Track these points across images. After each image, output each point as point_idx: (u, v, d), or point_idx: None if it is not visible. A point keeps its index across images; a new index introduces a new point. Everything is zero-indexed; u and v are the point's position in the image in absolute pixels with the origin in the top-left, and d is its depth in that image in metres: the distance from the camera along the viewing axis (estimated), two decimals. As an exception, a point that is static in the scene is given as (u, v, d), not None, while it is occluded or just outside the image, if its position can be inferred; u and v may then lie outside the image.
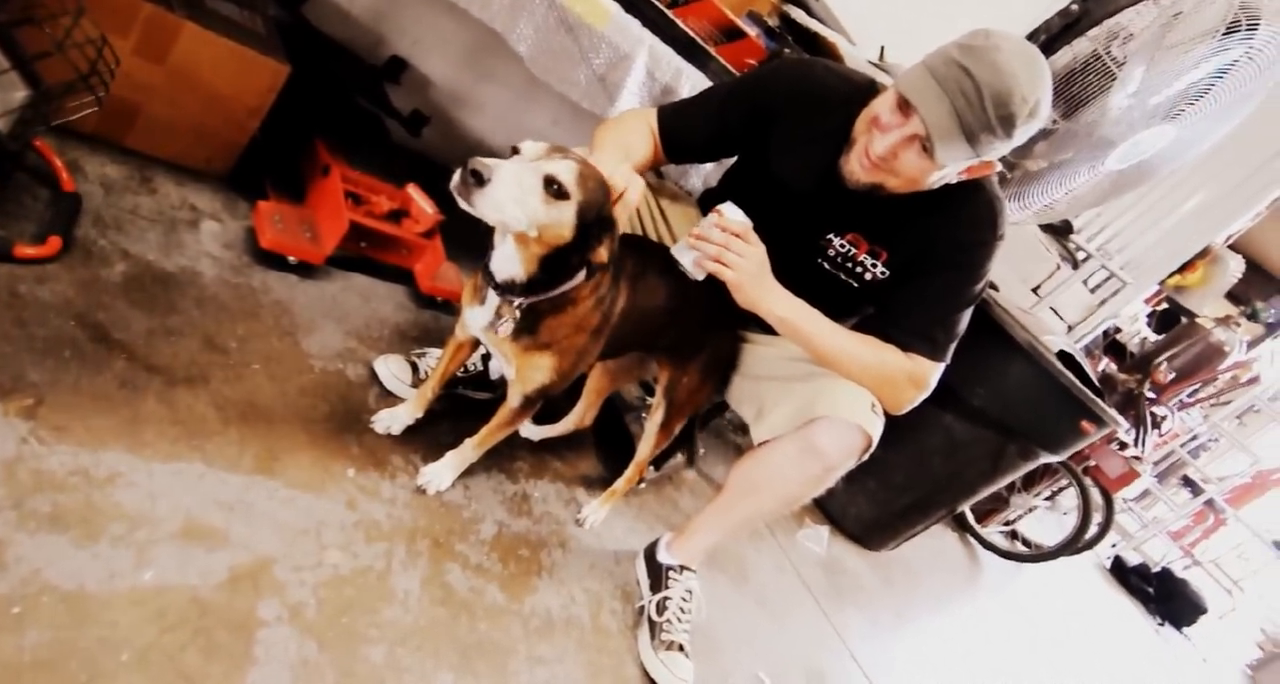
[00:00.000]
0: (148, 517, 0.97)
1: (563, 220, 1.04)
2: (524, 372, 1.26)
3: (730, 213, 1.26)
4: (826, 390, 1.34)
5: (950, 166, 1.20)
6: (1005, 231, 1.36)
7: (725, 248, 1.24)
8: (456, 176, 0.96)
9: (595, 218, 1.07)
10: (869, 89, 1.29)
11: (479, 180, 0.95)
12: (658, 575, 1.52)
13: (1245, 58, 1.72)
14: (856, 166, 1.26)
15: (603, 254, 1.10)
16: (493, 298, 1.19)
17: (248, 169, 1.66)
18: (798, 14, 2.11)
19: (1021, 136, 1.15)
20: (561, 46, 1.56)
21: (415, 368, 1.53)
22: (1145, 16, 1.73)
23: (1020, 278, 3.14)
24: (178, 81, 1.46)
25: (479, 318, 1.23)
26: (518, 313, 1.17)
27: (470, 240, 1.20)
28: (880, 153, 1.21)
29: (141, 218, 1.42)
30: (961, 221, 1.33)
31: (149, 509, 0.98)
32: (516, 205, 0.99)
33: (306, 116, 1.74)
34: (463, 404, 1.60)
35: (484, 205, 0.97)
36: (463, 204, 0.97)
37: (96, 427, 1.03)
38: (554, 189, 1.01)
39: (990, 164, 1.25)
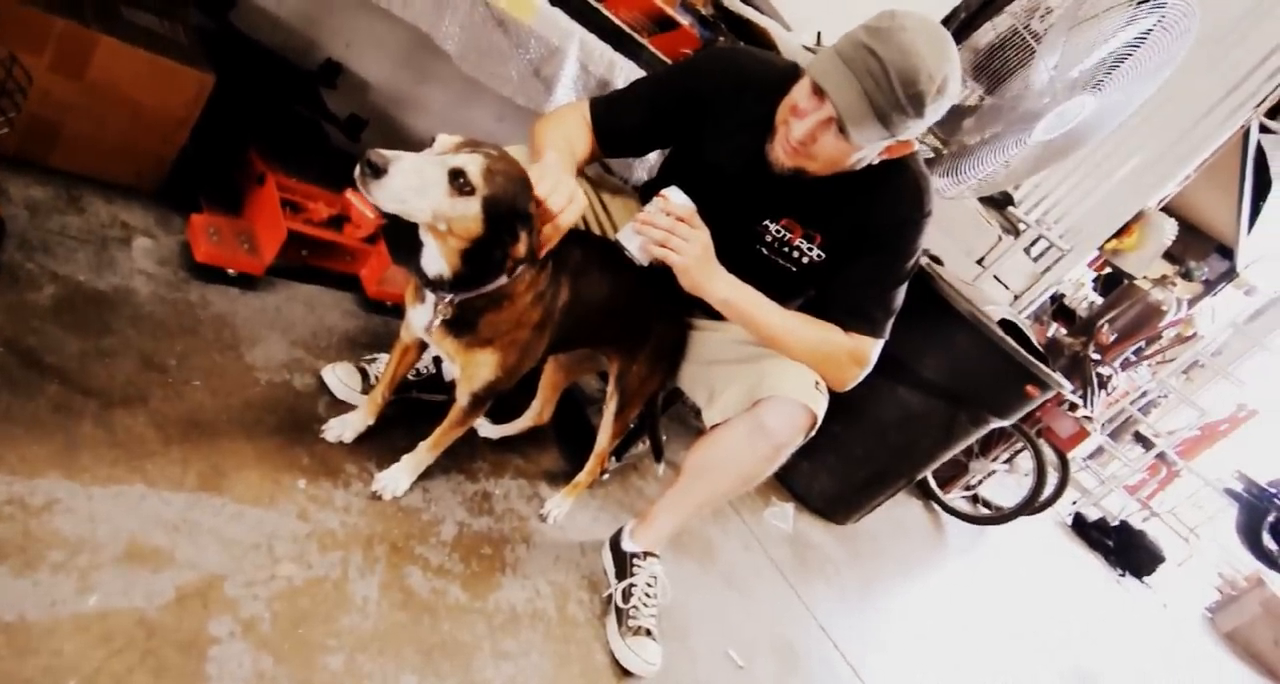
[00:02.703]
0: (88, 542, 0.96)
1: (469, 214, 1.04)
2: (468, 369, 1.26)
3: (675, 197, 1.27)
4: (772, 371, 1.37)
5: (868, 147, 1.23)
6: (933, 208, 1.39)
7: (671, 232, 1.25)
8: (357, 168, 0.96)
9: (508, 212, 1.06)
10: (792, 74, 1.31)
11: (375, 171, 0.95)
12: (622, 563, 1.54)
13: (1159, 27, 1.78)
14: (780, 152, 1.28)
15: (520, 249, 1.10)
16: (432, 297, 1.19)
17: (179, 182, 1.63)
18: (731, 1, 2.12)
19: (933, 114, 1.17)
20: (490, 43, 1.55)
21: (365, 374, 1.53)
22: (1062, -10, 1.78)
23: (964, 251, 3.22)
24: (98, 97, 1.43)
25: (421, 317, 1.23)
26: (448, 309, 1.17)
27: (417, 242, 1.20)
28: (799, 137, 1.23)
29: (70, 238, 1.38)
30: (889, 202, 1.36)
31: (89, 534, 0.97)
32: (418, 196, 0.99)
33: (238, 125, 1.71)
34: (417, 408, 1.59)
35: (382, 195, 0.97)
36: (365, 194, 0.98)
37: (30, 454, 1.01)
38: (459, 182, 1.01)
39: (909, 143, 1.28)
